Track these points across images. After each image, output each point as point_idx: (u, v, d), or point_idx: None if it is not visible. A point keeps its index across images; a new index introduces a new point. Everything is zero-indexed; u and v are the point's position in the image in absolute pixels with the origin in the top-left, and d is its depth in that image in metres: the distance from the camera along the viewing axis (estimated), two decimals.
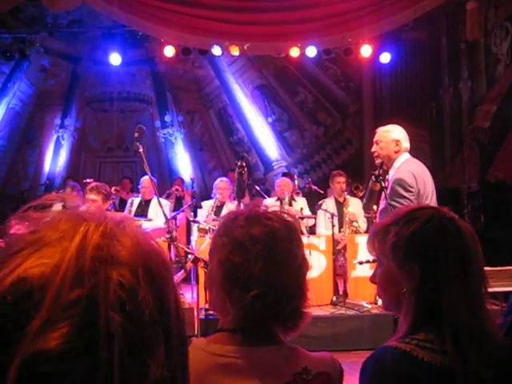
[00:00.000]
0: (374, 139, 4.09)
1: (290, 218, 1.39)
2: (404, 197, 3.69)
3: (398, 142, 3.96)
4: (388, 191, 3.73)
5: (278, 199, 7.36)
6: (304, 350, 1.39)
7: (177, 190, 9.14)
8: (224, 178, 7.26)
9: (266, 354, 1.31)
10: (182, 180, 10.20)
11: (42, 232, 0.59)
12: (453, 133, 10.84)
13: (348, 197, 6.92)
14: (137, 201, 7.11)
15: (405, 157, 3.96)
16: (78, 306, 0.54)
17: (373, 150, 4.06)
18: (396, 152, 3.95)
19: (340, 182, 7.07)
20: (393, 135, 4.00)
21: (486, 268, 1.60)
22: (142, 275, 0.58)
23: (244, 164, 4.09)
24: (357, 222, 6.82)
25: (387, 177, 3.67)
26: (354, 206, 6.85)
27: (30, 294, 0.54)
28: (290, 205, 7.24)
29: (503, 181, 8.76)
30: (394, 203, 3.59)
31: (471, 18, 9.24)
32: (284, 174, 10.45)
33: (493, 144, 9.48)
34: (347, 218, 6.80)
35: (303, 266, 1.35)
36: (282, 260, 1.29)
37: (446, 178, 10.85)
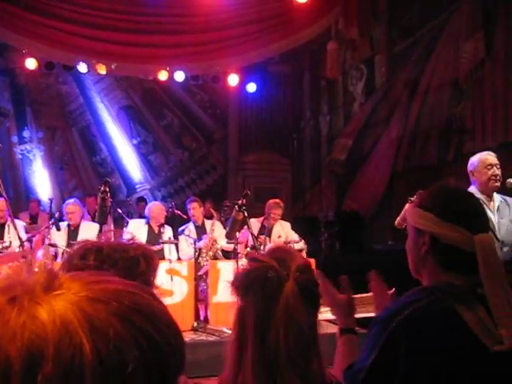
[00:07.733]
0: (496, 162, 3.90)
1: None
2: None
3: None
4: None
5: (148, 223, 6.94)
6: None
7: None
8: (71, 200, 6.80)
9: None
10: (39, 201, 9.68)
11: None
12: (312, 163, 11.41)
13: (211, 221, 6.98)
14: None
15: None
16: None
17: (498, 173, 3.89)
18: None
19: (191, 208, 7.08)
20: None
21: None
22: None
23: (107, 189, 3.95)
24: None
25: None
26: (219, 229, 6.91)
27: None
28: (160, 232, 6.91)
29: (356, 212, 9.35)
30: None
31: (331, 58, 9.87)
32: (139, 199, 10.37)
33: (348, 176, 10.12)
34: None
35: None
36: None
37: (305, 206, 11.35)
